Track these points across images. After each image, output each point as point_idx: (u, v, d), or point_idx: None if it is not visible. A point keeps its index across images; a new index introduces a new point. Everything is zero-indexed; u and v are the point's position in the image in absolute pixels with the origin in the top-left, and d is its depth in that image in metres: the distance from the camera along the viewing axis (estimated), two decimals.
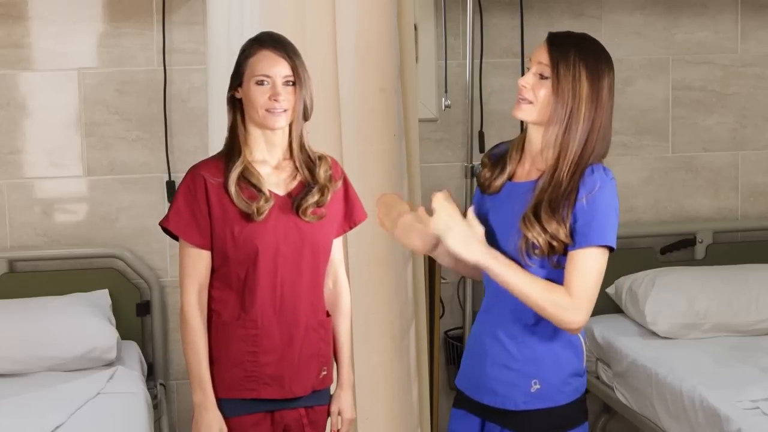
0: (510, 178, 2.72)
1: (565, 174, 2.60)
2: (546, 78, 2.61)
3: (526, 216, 2.60)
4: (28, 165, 4.27)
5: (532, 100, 2.63)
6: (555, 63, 2.60)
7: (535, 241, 2.57)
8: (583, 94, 2.59)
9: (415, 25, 3.94)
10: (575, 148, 2.60)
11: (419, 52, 4.34)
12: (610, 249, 2.61)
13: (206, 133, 3.75)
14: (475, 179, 4.24)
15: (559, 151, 2.61)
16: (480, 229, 2.60)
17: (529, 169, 2.70)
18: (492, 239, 2.69)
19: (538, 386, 2.67)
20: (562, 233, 2.57)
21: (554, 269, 2.61)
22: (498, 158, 2.77)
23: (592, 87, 2.60)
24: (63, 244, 4.29)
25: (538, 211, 2.58)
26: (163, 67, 4.27)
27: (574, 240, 2.58)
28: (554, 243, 2.58)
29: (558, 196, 2.58)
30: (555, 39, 2.65)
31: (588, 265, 2.58)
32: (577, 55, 2.60)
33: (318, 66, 3.61)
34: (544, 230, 2.57)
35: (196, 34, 4.26)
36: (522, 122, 2.76)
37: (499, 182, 2.72)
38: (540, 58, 2.63)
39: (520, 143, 2.73)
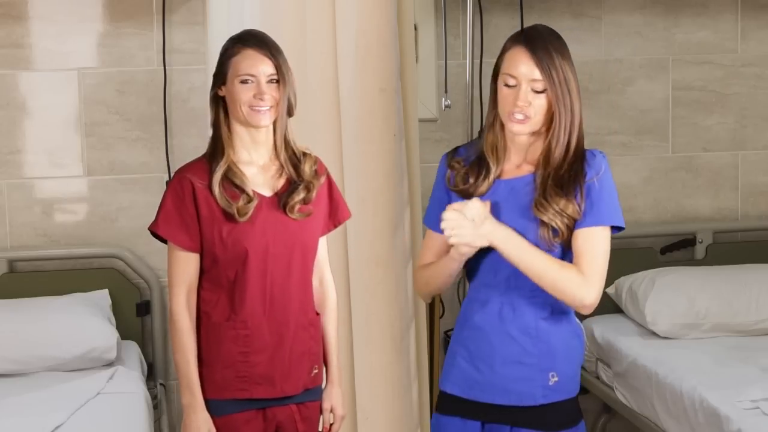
0: (498, 177, 2.73)
1: (568, 162, 2.65)
2: (540, 92, 2.63)
3: (537, 201, 2.64)
4: (28, 165, 4.27)
5: (530, 115, 2.64)
6: (548, 74, 2.62)
7: (553, 224, 2.62)
8: (573, 90, 2.65)
9: (415, 25, 3.94)
10: (575, 139, 2.66)
11: (419, 52, 4.34)
12: (619, 229, 2.69)
13: (206, 133, 3.73)
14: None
15: (563, 147, 2.65)
16: (479, 207, 2.63)
17: (519, 163, 2.72)
18: None
19: (556, 378, 2.69)
20: (572, 210, 2.62)
21: (570, 250, 2.67)
22: (473, 161, 2.76)
23: (575, 79, 2.66)
24: (63, 244, 4.29)
25: (548, 196, 2.63)
26: (163, 67, 4.27)
27: (585, 218, 2.63)
28: (569, 222, 2.63)
29: (565, 181, 2.63)
30: (534, 47, 2.63)
31: (598, 242, 2.64)
32: (559, 56, 2.64)
33: (318, 66, 3.61)
34: (557, 212, 2.61)
35: (196, 34, 4.26)
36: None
37: (486, 184, 2.73)
38: (529, 75, 2.62)
39: (500, 142, 2.73)
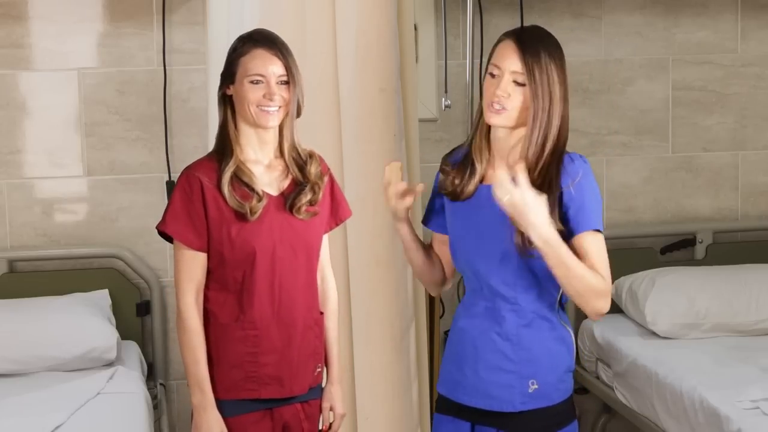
0: (481, 181, 2.72)
1: (544, 167, 2.62)
2: (521, 84, 2.63)
3: None
4: (28, 165, 4.27)
5: (507, 107, 2.64)
6: (530, 69, 2.62)
7: None
8: (556, 93, 2.63)
9: (415, 25, 3.94)
10: (552, 143, 2.63)
11: (419, 52, 4.34)
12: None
13: (206, 133, 3.76)
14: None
15: (536, 147, 2.63)
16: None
17: (501, 167, 2.70)
18: (480, 241, 2.70)
19: (535, 386, 2.67)
20: (552, 220, 2.58)
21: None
22: (460, 163, 2.77)
23: (562, 84, 2.64)
24: (63, 244, 4.29)
25: None
26: (163, 67, 4.28)
27: (572, 227, 2.61)
28: None
29: (540, 187, 2.59)
30: (523, 42, 2.64)
31: (597, 247, 2.61)
32: (547, 56, 2.63)
33: (318, 66, 3.61)
34: None
35: (196, 34, 4.26)
36: (472, 124, 2.77)
37: (471, 187, 2.72)
38: (512, 66, 2.63)
39: (484, 144, 2.73)
